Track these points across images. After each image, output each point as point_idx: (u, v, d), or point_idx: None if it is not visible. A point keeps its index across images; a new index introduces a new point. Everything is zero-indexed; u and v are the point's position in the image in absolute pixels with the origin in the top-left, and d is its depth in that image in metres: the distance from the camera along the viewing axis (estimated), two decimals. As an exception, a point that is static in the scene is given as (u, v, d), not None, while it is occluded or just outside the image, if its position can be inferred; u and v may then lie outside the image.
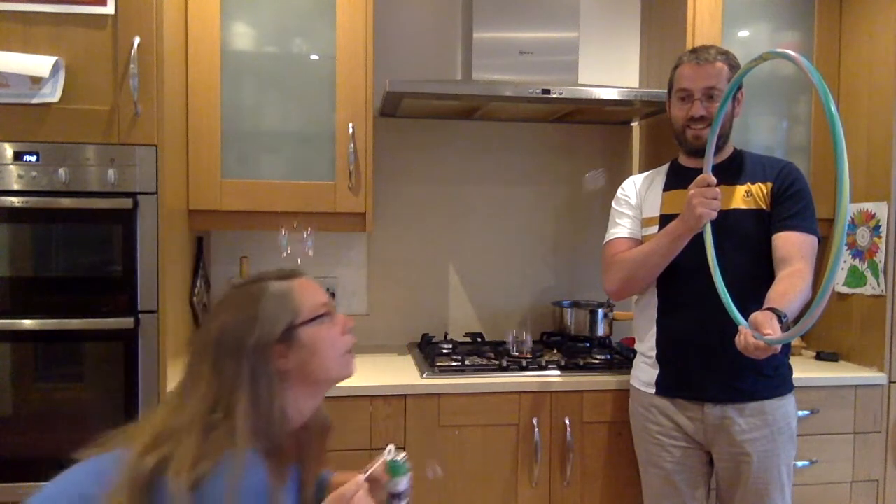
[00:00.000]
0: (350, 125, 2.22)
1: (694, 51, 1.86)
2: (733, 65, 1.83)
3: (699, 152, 1.78)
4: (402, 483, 1.29)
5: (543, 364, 2.22)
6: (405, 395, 2.03)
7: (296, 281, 1.23)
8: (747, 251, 1.80)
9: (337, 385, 1.71)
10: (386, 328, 2.66)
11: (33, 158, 1.86)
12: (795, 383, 1.88)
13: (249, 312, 1.16)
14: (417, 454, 2.03)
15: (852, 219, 2.36)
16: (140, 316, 1.90)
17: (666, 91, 1.96)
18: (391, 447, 1.30)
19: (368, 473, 0.96)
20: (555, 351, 2.45)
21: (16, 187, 1.86)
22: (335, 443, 1.96)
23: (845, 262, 2.39)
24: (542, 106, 2.39)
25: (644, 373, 1.94)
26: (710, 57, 1.81)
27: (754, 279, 1.73)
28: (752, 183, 1.84)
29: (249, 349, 1.12)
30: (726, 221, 1.76)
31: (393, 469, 1.29)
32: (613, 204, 2.04)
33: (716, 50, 1.84)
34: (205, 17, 2.17)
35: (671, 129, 1.93)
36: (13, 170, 1.86)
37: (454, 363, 2.23)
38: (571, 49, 2.39)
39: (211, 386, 1.12)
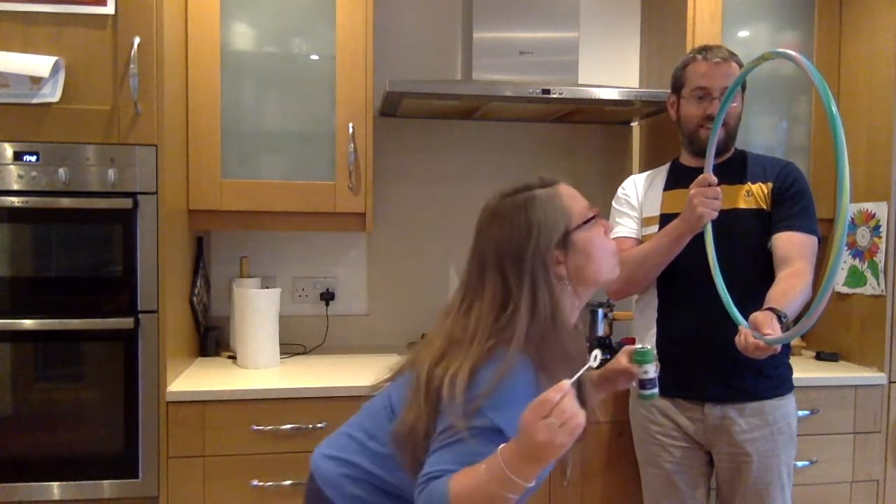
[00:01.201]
0: (350, 125, 2.22)
1: (705, 49, 1.85)
2: (741, 65, 1.83)
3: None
4: (652, 369, 1.39)
5: (543, 364, 2.21)
6: (405, 395, 2.02)
7: (559, 187, 1.26)
8: (748, 251, 1.80)
9: (336, 385, 1.70)
10: (386, 328, 2.66)
11: (33, 158, 1.86)
12: (795, 383, 1.88)
13: (524, 220, 1.19)
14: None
15: (852, 219, 2.36)
16: (140, 316, 1.90)
17: (668, 91, 1.96)
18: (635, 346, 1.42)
19: (574, 379, 1.00)
20: (555, 351, 2.44)
21: (16, 187, 1.86)
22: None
23: (845, 262, 2.39)
24: (542, 106, 2.39)
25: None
26: (724, 56, 1.81)
27: (755, 279, 1.73)
28: (753, 183, 1.84)
29: (530, 256, 1.16)
30: (727, 221, 1.76)
31: (641, 357, 1.39)
32: (614, 203, 2.04)
33: (726, 50, 1.84)
34: (205, 17, 2.17)
35: (676, 127, 1.93)
36: (13, 170, 1.85)
37: (454, 363, 2.22)
38: (571, 49, 2.39)
39: (496, 297, 1.17)
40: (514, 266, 1.17)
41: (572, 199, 1.24)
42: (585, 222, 1.22)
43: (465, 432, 1.05)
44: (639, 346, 1.42)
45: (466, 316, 1.19)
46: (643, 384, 1.40)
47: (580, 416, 0.96)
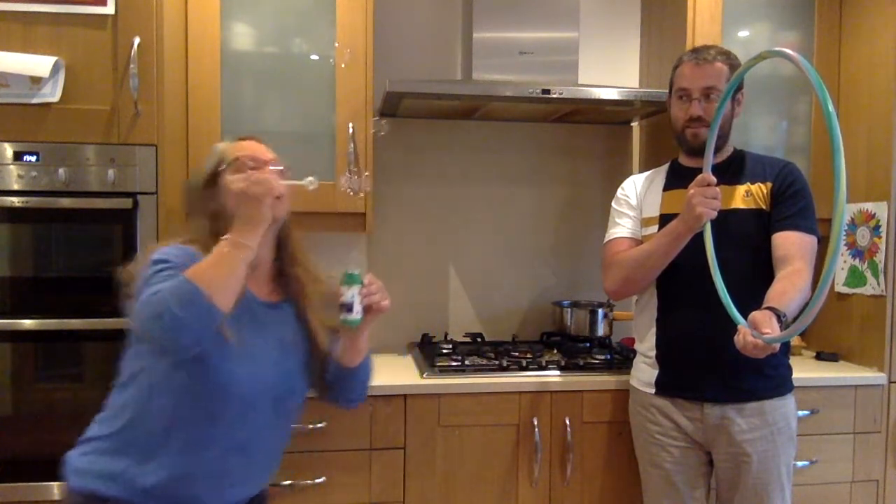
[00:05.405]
0: (350, 125, 2.22)
1: (695, 50, 1.86)
2: (734, 65, 1.82)
3: (698, 152, 1.78)
4: (349, 294, 1.42)
5: (543, 364, 2.22)
6: (405, 395, 2.03)
7: (233, 141, 1.51)
8: (747, 251, 1.80)
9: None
10: (386, 328, 2.65)
11: (33, 158, 1.86)
12: (795, 383, 1.88)
13: (202, 167, 1.50)
14: (417, 454, 2.03)
15: (852, 218, 2.36)
16: (140, 316, 1.90)
17: (666, 91, 1.96)
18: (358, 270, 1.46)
19: (285, 180, 1.42)
20: (555, 351, 2.45)
21: (16, 187, 1.86)
22: (337, 443, 1.98)
23: (845, 262, 2.39)
24: (542, 106, 2.38)
25: (644, 373, 1.94)
26: (709, 57, 1.81)
27: (754, 279, 1.73)
28: (752, 183, 1.84)
29: (191, 192, 1.50)
30: (726, 221, 1.76)
31: (346, 279, 1.41)
32: (613, 204, 2.04)
33: (716, 50, 1.84)
34: (205, 17, 2.17)
35: (671, 128, 1.93)
36: (13, 170, 1.86)
37: (454, 363, 2.23)
38: (571, 49, 2.39)
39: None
40: (189, 197, 1.55)
41: (235, 148, 1.48)
42: (228, 165, 1.44)
43: (147, 277, 1.30)
44: (353, 269, 1.44)
45: None
46: (339, 308, 1.42)
47: (273, 178, 1.34)
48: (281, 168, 1.48)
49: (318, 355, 1.51)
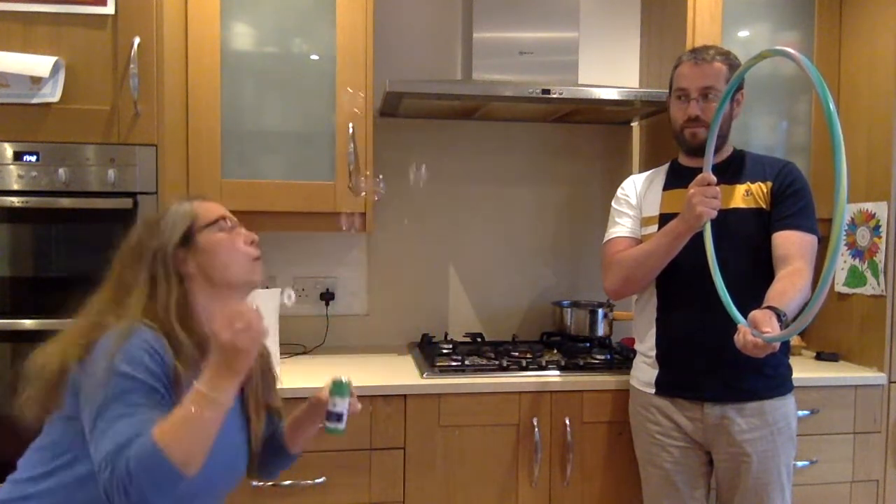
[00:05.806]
0: (350, 125, 2.22)
1: (694, 51, 1.86)
2: (733, 65, 1.82)
3: (697, 151, 1.78)
4: (341, 404, 1.38)
5: (543, 364, 2.22)
6: (405, 395, 2.02)
7: (196, 201, 1.36)
8: (747, 250, 1.80)
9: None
10: (386, 328, 2.66)
11: (33, 158, 1.86)
12: (795, 383, 1.88)
13: (152, 224, 1.32)
14: (417, 454, 2.03)
15: (852, 218, 2.36)
16: (140, 316, 1.90)
17: (666, 91, 1.97)
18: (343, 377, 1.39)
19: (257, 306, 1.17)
20: (555, 351, 2.45)
21: (16, 187, 1.86)
22: (336, 443, 1.97)
23: (845, 262, 2.39)
24: (542, 106, 2.39)
25: (643, 373, 1.94)
26: (708, 57, 1.81)
27: (754, 278, 1.73)
28: (752, 182, 1.84)
29: (149, 254, 1.27)
30: (726, 221, 1.76)
31: (335, 388, 1.37)
32: (613, 203, 2.04)
33: (715, 50, 1.84)
34: (205, 17, 2.17)
35: (671, 128, 1.93)
36: (13, 170, 1.86)
37: (454, 363, 2.22)
38: (571, 49, 2.39)
39: (111, 287, 1.29)
40: (133, 262, 1.28)
41: (203, 206, 1.34)
42: (210, 224, 1.31)
43: (110, 396, 1.12)
44: (340, 377, 1.38)
45: (89, 306, 1.32)
46: (328, 415, 1.38)
47: (261, 325, 1.11)
48: (257, 256, 1.35)
49: (257, 438, 1.41)
